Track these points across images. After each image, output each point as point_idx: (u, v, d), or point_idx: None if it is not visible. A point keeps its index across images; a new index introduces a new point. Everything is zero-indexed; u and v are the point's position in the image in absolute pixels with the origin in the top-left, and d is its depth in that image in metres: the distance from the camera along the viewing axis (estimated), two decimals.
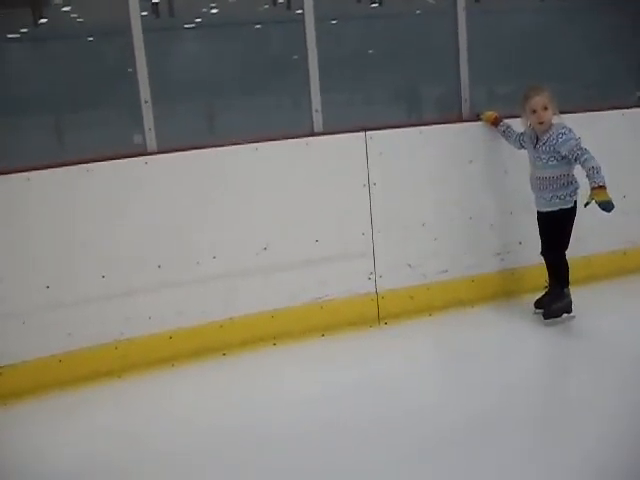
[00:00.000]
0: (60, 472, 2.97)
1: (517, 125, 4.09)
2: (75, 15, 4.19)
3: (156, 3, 4.22)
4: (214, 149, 3.83)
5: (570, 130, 3.81)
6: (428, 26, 4.52)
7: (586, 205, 3.68)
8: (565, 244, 3.94)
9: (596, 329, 3.93)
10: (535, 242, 4.05)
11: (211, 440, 3.09)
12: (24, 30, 4.03)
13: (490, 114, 4.22)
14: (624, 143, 4.48)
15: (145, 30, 3.77)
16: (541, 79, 4.19)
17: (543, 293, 4.13)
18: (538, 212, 4.02)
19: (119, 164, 3.68)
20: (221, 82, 4.20)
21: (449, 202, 4.22)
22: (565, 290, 3.99)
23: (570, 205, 3.88)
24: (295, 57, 4.16)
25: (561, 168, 3.85)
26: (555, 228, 3.95)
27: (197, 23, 4.38)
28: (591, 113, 4.41)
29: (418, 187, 4.16)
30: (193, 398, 3.49)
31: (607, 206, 3.62)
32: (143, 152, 3.79)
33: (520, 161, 4.09)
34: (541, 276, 4.11)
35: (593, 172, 3.65)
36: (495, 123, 4.20)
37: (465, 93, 4.34)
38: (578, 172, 3.82)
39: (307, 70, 4.03)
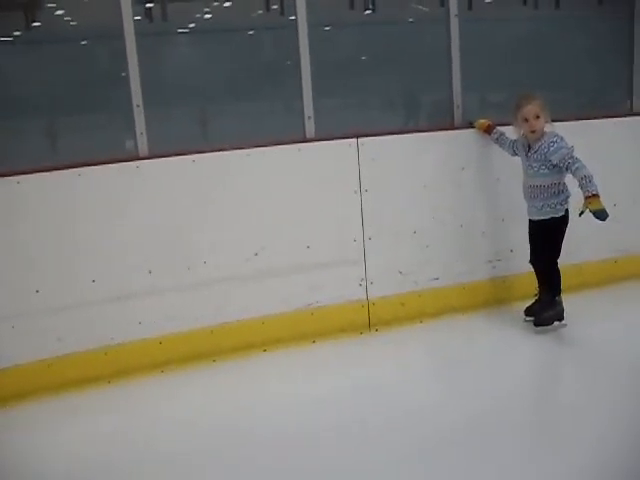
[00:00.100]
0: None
1: (510, 133, 4.10)
2: (68, 18, 4.18)
3: (150, 7, 4.21)
4: (206, 154, 3.82)
5: (562, 139, 3.81)
6: (421, 33, 4.53)
7: (580, 214, 3.68)
8: (556, 252, 3.95)
9: (587, 337, 3.94)
10: (527, 250, 4.06)
11: (206, 443, 3.08)
12: (17, 33, 4.01)
13: (483, 122, 4.23)
14: (615, 151, 4.50)
15: (138, 34, 3.76)
16: (533, 87, 4.20)
17: (533, 301, 4.14)
18: (530, 220, 4.03)
19: (110, 168, 3.67)
20: (214, 87, 4.19)
21: (441, 209, 4.23)
22: (557, 298, 4.00)
23: (561, 214, 3.89)
24: (288, 63, 4.16)
25: (552, 177, 3.85)
26: (546, 236, 3.95)
27: (190, 28, 4.37)
28: (582, 121, 4.43)
29: (410, 194, 4.17)
30: (184, 403, 3.48)
31: (601, 215, 3.62)
32: (135, 157, 3.78)
33: (512, 168, 4.10)
34: (532, 284, 4.11)
35: (585, 181, 3.65)
36: (488, 131, 4.20)
37: (458, 100, 4.35)
38: (570, 181, 3.83)
39: (300, 76, 4.04)
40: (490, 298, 4.38)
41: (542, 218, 3.93)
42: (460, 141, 4.25)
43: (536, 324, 4.01)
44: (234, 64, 4.26)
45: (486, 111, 4.41)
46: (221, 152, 3.85)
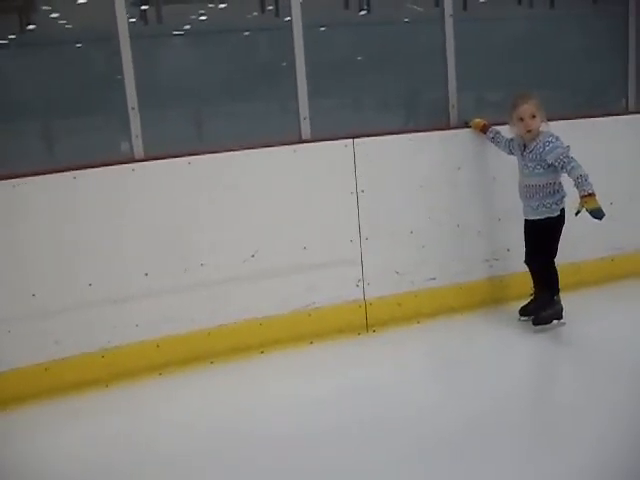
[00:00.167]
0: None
1: (506, 132, 4.10)
2: (63, 21, 4.17)
3: (144, 10, 4.20)
4: (202, 156, 3.82)
5: (557, 138, 3.82)
6: (416, 34, 4.53)
7: (577, 214, 3.69)
8: (553, 252, 3.95)
9: (585, 335, 3.94)
10: (523, 249, 4.06)
11: (205, 444, 3.08)
12: (12, 36, 4.00)
13: (478, 121, 4.24)
14: (611, 150, 4.51)
15: (133, 37, 3.75)
16: (529, 86, 4.20)
17: (528, 301, 4.14)
18: (525, 220, 4.03)
19: (106, 171, 3.66)
20: (209, 89, 4.18)
21: (437, 209, 4.23)
22: (555, 297, 4.00)
23: (557, 213, 3.89)
24: (284, 64, 4.16)
25: (547, 176, 3.85)
26: (541, 236, 3.96)
27: (185, 30, 4.36)
28: (578, 120, 4.44)
29: (406, 194, 4.17)
30: (183, 405, 3.47)
31: (597, 213, 3.63)
32: (130, 159, 3.78)
33: (508, 168, 4.09)
34: (529, 283, 4.12)
35: (581, 180, 3.66)
36: (483, 130, 4.21)
37: (453, 100, 4.36)
38: (566, 181, 3.83)
39: (295, 77, 4.03)
40: (487, 298, 4.38)
41: (538, 218, 3.93)
42: (456, 141, 4.25)
43: (535, 323, 4.01)
44: (229, 65, 4.25)
45: (482, 111, 4.41)
46: (217, 154, 3.84)
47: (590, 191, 3.64)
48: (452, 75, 4.32)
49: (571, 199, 3.80)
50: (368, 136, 4.08)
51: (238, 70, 4.25)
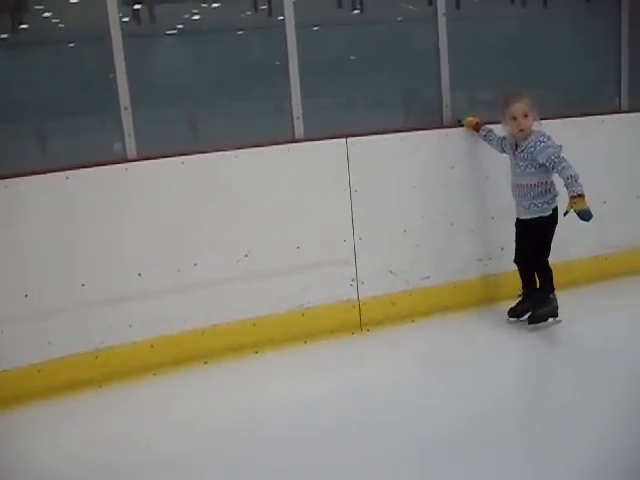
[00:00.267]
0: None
1: (498, 131, 4.11)
2: (56, 21, 4.15)
3: (137, 9, 4.18)
4: (195, 156, 3.81)
5: (549, 138, 3.82)
6: (409, 32, 4.52)
7: (565, 214, 3.71)
8: (546, 251, 3.95)
9: (581, 334, 3.95)
10: None
11: (205, 444, 3.08)
12: (3, 36, 3.98)
13: (471, 120, 4.24)
14: (603, 149, 4.52)
15: (126, 36, 3.75)
16: (521, 85, 4.21)
17: (517, 302, 4.14)
18: (517, 219, 4.03)
19: (99, 171, 3.65)
20: (202, 88, 4.17)
21: (431, 208, 4.23)
22: (550, 295, 4.01)
23: (549, 213, 3.89)
24: (277, 63, 4.16)
25: (539, 176, 3.86)
26: (533, 235, 3.96)
27: (178, 29, 4.34)
28: (571, 119, 4.45)
29: (400, 193, 4.17)
30: (181, 405, 3.47)
31: (585, 215, 3.63)
32: (123, 159, 3.77)
33: (502, 166, 4.10)
34: (520, 283, 4.12)
35: (571, 181, 3.66)
36: (476, 128, 4.21)
37: (446, 99, 4.36)
38: (558, 180, 3.83)
39: (288, 77, 4.03)
40: (482, 296, 4.38)
41: (530, 217, 3.93)
42: (449, 140, 4.25)
43: (530, 321, 4.01)
44: (222, 65, 4.24)
45: (475, 109, 4.41)
46: (210, 153, 3.84)
47: (580, 192, 3.64)
48: (445, 74, 4.33)
49: (563, 199, 3.80)
50: (361, 135, 4.07)
51: (231, 69, 4.24)
